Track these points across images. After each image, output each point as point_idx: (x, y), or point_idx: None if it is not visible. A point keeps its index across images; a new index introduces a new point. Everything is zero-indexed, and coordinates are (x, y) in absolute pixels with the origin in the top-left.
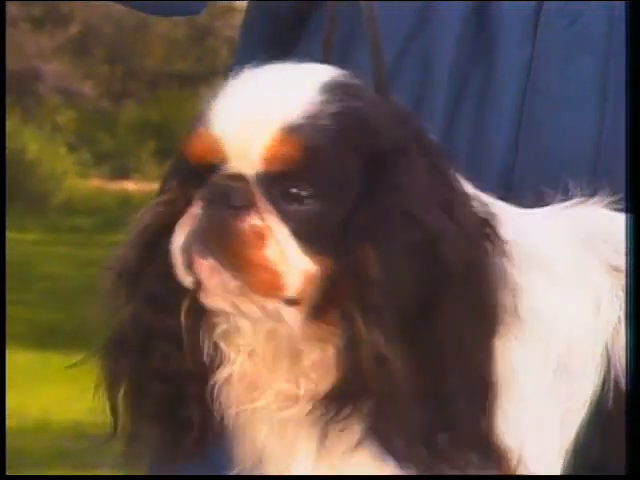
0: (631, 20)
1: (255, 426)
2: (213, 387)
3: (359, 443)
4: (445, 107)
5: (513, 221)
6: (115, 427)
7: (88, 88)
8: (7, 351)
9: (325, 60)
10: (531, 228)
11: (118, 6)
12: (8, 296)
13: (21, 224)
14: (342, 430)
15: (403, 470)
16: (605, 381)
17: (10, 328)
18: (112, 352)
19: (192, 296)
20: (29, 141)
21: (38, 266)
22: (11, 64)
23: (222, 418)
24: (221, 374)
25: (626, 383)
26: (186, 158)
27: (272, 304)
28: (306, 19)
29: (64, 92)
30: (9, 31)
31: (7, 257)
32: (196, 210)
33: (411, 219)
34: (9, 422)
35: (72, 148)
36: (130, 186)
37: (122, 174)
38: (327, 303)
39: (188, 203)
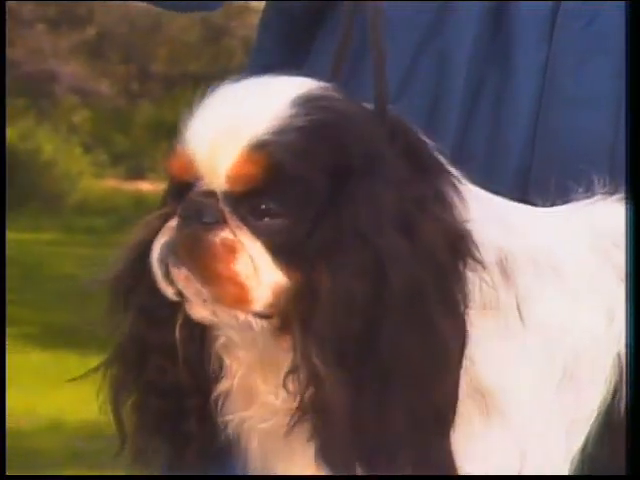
0: (631, 20)
1: (250, 438)
2: (215, 399)
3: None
4: (462, 107)
5: (526, 223)
6: (122, 441)
7: (103, 88)
8: (20, 351)
9: (337, 62)
10: (545, 231)
11: (133, 5)
12: (22, 296)
13: (36, 224)
14: (302, 445)
15: None
16: (616, 391)
17: (24, 328)
18: (113, 366)
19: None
20: (44, 142)
21: (53, 266)
22: (27, 65)
23: (224, 430)
24: (222, 386)
25: (627, 382)
26: (169, 176)
27: (242, 316)
28: (321, 19)
29: (79, 93)
30: (25, 33)
31: (22, 258)
32: (172, 224)
33: (361, 238)
34: (23, 423)
35: (87, 148)
36: (145, 186)
37: (137, 174)
38: (294, 318)
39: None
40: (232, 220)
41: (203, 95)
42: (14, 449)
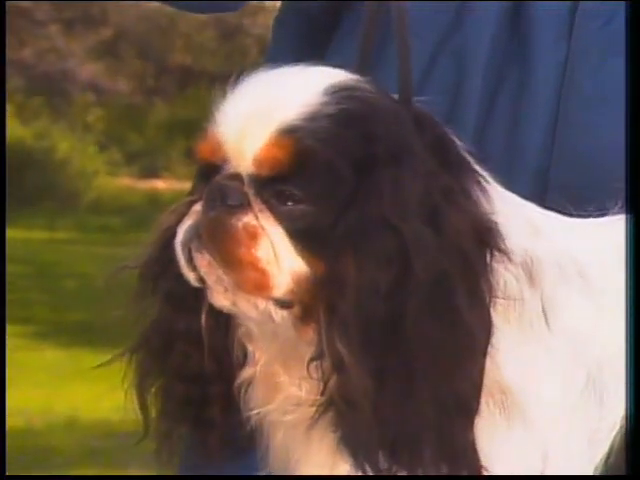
0: (631, 20)
1: (273, 430)
2: (238, 388)
3: (337, 452)
4: (480, 107)
5: (554, 230)
6: (146, 427)
7: (118, 87)
8: (35, 349)
9: (361, 60)
10: (576, 240)
11: (148, 4)
12: (37, 294)
13: (51, 223)
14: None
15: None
16: None
17: (40, 327)
18: (139, 352)
19: None
20: (59, 140)
21: (68, 265)
22: (42, 65)
23: (247, 419)
24: (245, 374)
25: (626, 382)
26: (198, 159)
27: (263, 304)
28: (338, 20)
29: (94, 92)
30: (40, 32)
31: (37, 256)
32: (197, 208)
33: (387, 226)
34: (37, 420)
35: (102, 147)
36: (159, 185)
37: (151, 173)
38: (317, 306)
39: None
40: (256, 204)
41: (221, 91)
42: (28, 448)
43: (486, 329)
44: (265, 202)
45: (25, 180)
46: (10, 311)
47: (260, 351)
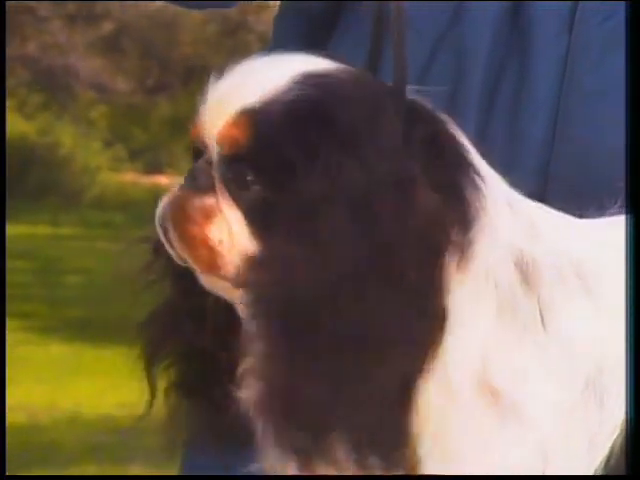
0: (631, 20)
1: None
2: (240, 377)
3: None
4: (480, 102)
5: (555, 232)
6: (151, 399)
7: (121, 83)
8: (39, 344)
9: (371, 55)
10: (575, 241)
11: (150, 2)
12: (41, 290)
13: (54, 219)
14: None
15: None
16: None
17: (43, 322)
18: (149, 327)
19: None
20: (63, 136)
21: (71, 261)
22: (46, 61)
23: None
24: (246, 364)
25: (626, 383)
26: (190, 145)
27: (219, 283)
28: (339, 18)
29: (98, 88)
30: (43, 28)
31: (41, 251)
32: (174, 188)
33: (317, 211)
34: (41, 415)
35: (106, 143)
36: (163, 180)
37: (155, 169)
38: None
39: None
40: (219, 186)
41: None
42: (32, 443)
43: (420, 324)
44: (225, 183)
45: (28, 176)
46: (13, 306)
47: None
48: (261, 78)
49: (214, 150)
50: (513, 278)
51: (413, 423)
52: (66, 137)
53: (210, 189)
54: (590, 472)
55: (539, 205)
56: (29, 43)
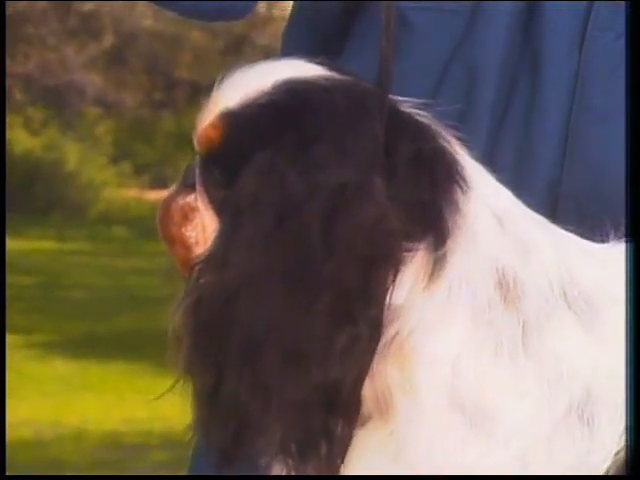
0: (631, 20)
1: None
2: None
3: None
4: (491, 118)
5: (550, 253)
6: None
7: (126, 99)
8: (44, 360)
9: (382, 64)
10: (573, 262)
11: (155, 16)
12: (46, 305)
13: (60, 234)
14: None
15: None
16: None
17: (48, 337)
18: (188, 341)
19: None
20: (69, 152)
21: (77, 276)
22: (52, 77)
23: None
24: None
25: (626, 384)
26: None
27: None
28: (348, 32)
29: (103, 104)
30: (47, 43)
31: (47, 267)
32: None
33: (240, 213)
34: (46, 431)
35: (111, 159)
36: None
37: (160, 184)
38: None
39: None
40: (198, 185)
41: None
42: (37, 459)
43: (345, 333)
44: (203, 183)
45: (34, 191)
46: (19, 322)
47: None
48: (246, 82)
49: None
50: (492, 293)
51: (351, 434)
52: (71, 153)
53: (194, 188)
54: None
55: (545, 224)
56: (31, 60)
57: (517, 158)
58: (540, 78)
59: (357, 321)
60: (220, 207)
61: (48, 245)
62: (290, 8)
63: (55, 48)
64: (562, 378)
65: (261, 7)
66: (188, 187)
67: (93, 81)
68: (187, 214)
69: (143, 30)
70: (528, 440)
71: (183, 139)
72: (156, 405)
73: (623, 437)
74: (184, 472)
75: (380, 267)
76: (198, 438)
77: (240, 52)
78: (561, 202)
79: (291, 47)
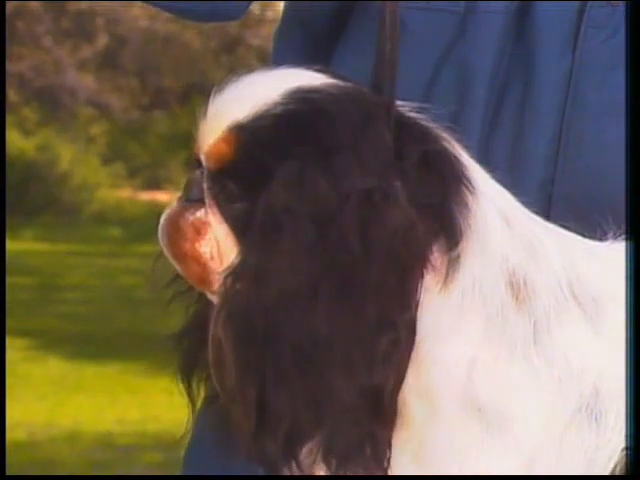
0: (631, 20)
1: None
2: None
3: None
4: (484, 118)
5: (556, 252)
6: (193, 409)
7: (119, 100)
8: (38, 361)
9: (377, 66)
10: (578, 262)
11: (148, 16)
12: (41, 307)
13: (54, 235)
14: None
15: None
16: None
17: (42, 338)
18: (184, 341)
19: None
20: (62, 153)
21: (70, 276)
22: (45, 78)
23: None
24: None
25: (626, 384)
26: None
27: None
28: (341, 33)
29: (97, 105)
30: (41, 45)
31: (40, 268)
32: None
33: (280, 222)
34: (40, 432)
35: (104, 160)
36: (161, 197)
37: (153, 185)
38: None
39: None
40: (208, 199)
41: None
42: (31, 460)
43: (399, 326)
44: (214, 198)
45: (28, 192)
46: (13, 323)
47: None
48: (253, 93)
49: (204, 164)
50: (504, 294)
51: (391, 437)
52: (65, 154)
53: (201, 203)
54: None
55: (545, 224)
56: (24, 60)
57: (510, 157)
58: (533, 77)
59: (397, 325)
60: (237, 221)
61: (41, 246)
62: (282, 9)
63: (49, 49)
64: (573, 376)
65: (255, 8)
66: (193, 202)
67: (87, 82)
68: (199, 229)
69: (136, 31)
70: (541, 438)
71: (176, 140)
72: (149, 406)
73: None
74: (177, 473)
75: (414, 270)
76: (246, 452)
77: (233, 53)
78: (554, 201)
79: (283, 47)
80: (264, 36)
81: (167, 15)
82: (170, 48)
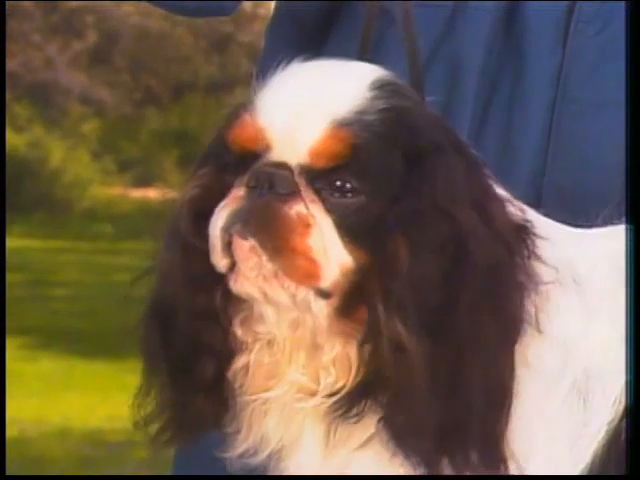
0: (631, 20)
1: (265, 415)
2: (232, 372)
3: (370, 439)
4: (474, 113)
5: (553, 237)
6: (147, 390)
7: (111, 97)
8: (29, 358)
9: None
10: (572, 248)
11: (140, 13)
12: (32, 304)
13: (45, 231)
14: (356, 423)
15: (405, 465)
16: (626, 414)
17: (33, 336)
18: (147, 324)
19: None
20: (53, 149)
21: (61, 273)
22: (36, 74)
23: (236, 402)
24: (239, 361)
25: (627, 383)
26: (227, 145)
27: (302, 293)
28: (331, 28)
29: (87, 101)
30: (31, 41)
31: (31, 265)
32: (239, 193)
33: (443, 214)
34: (31, 429)
35: (95, 156)
36: (152, 193)
37: (145, 182)
38: (357, 299)
39: (224, 189)
40: (307, 194)
41: (260, 80)
42: (22, 457)
43: (521, 320)
44: (316, 193)
45: (19, 189)
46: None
47: (254, 339)
48: (338, 85)
49: (295, 158)
50: None
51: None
52: (56, 150)
53: (296, 197)
54: (575, 472)
55: (536, 214)
56: (15, 57)
57: (500, 150)
58: (523, 71)
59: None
60: (350, 215)
61: (32, 242)
62: (274, 5)
63: (39, 45)
64: (568, 357)
65: (246, 6)
66: (283, 196)
67: (78, 79)
68: (307, 224)
69: (127, 28)
70: (538, 418)
71: (168, 137)
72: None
73: (614, 407)
74: (168, 470)
75: (530, 290)
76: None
77: (225, 50)
78: (545, 192)
79: (274, 43)
80: (256, 33)
81: (159, 12)
82: (161, 45)
